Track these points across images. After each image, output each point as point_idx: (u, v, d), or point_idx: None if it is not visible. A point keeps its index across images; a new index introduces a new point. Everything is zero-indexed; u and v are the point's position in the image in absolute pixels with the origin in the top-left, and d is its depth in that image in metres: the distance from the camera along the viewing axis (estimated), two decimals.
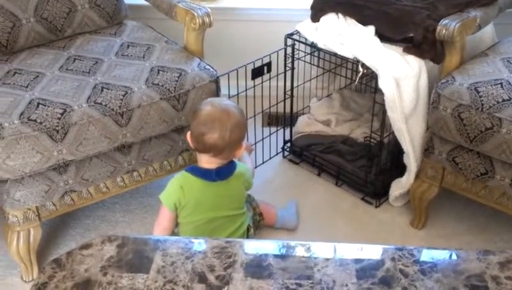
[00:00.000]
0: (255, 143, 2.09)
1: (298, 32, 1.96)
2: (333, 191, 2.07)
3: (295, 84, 2.07)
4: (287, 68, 2.01)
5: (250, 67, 1.91)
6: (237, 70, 1.86)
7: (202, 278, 0.96)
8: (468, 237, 1.84)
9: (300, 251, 1.03)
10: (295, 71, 2.02)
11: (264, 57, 1.95)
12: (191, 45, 1.87)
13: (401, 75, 1.70)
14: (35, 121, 1.49)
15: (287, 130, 2.21)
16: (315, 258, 1.01)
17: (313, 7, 1.97)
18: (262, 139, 2.13)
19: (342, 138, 2.13)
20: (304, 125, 2.19)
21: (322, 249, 1.04)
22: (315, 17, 1.95)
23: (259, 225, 1.80)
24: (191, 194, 1.52)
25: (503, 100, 1.52)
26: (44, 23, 1.85)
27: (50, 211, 1.63)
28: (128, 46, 1.87)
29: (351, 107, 2.28)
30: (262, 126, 2.22)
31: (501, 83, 1.57)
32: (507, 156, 1.52)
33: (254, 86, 1.96)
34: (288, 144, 2.21)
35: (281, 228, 1.87)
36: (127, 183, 1.74)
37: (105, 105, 1.57)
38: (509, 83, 1.57)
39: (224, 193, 1.55)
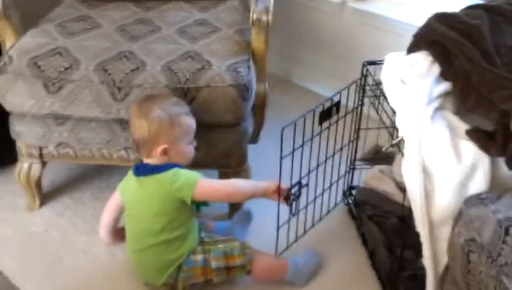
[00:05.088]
0: (328, 187, 1.70)
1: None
2: (362, 271, 1.63)
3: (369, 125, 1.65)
4: (359, 103, 1.60)
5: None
6: (304, 116, 1.40)
7: None
8: None
9: None
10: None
11: (334, 95, 1.49)
12: (253, 41, 1.64)
13: (435, 166, 1.18)
14: (39, 67, 1.52)
15: (354, 176, 1.80)
16: None
17: (414, 36, 1.50)
18: (330, 186, 1.71)
19: (405, 210, 1.63)
20: (371, 178, 1.74)
21: None
22: (408, 51, 1.49)
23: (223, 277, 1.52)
24: (125, 185, 1.50)
25: None
26: None
27: (51, 155, 1.69)
28: (199, 24, 1.75)
29: None
30: (332, 170, 1.69)
31: None
32: None
33: (320, 132, 1.51)
34: (349, 192, 1.82)
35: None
36: (131, 158, 1.68)
37: (110, 74, 1.51)
38: None
39: (141, 190, 1.43)
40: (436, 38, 1.37)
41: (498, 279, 0.94)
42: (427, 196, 1.20)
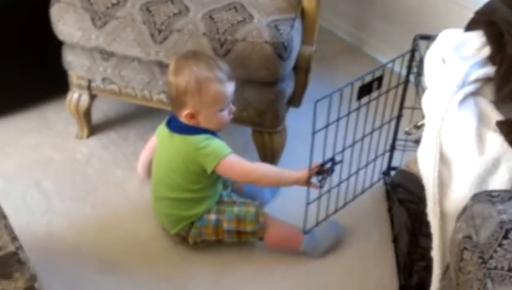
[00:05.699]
0: (364, 167, 1.59)
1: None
2: (383, 254, 1.56)
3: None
4: (405, 79, 1.49)
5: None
6: (342, 91, 1.32)
7: None
8: None
9: None
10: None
11: (376, 69, 1.39)
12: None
13: (455, 155, 1.08)
14: (89, 0, 1.56)
15: (395, 155, 1.70)
16: None
17: (475, 13, 1.36)
18: (366, 165, 1.59)
19: None
20: (413, 162, 1.63)
21: None
22: (466, 28, 1.35)
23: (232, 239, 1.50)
24: (161, 129, 1.50)
25: None
26: None
27: (98, 88, 1.75)
28: None
29: None
30: (370, 148, 1.57)
31: None
32: None
33: (359, 107, 1.41)
34: (389, 172, 1.72)
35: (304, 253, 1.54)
36: None
37: (153, 15, 1.52)
38: None
39: (169, 143, 1.43)
40: (493, 18, 1.23)
41: (483, 282, 0.85)
42: (443, 185, 1.10)
